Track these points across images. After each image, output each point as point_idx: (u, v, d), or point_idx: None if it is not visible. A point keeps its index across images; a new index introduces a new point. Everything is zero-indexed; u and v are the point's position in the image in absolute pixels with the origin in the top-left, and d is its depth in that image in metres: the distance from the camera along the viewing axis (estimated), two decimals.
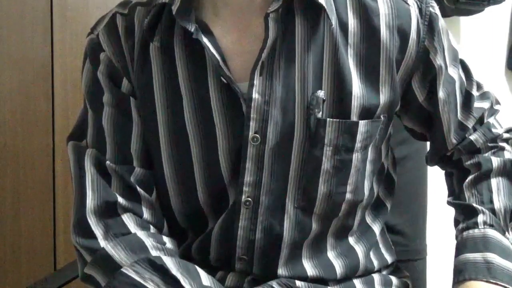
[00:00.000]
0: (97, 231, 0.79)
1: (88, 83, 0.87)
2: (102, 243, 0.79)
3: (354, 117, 0.81)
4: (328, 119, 0.80)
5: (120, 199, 0.81)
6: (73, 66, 1.36)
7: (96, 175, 0.82)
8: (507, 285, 0.77)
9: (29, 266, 1.36)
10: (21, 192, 1.35)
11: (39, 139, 1.35)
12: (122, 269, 0.76)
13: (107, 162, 0.83)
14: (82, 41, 1.38)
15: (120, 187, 0.82)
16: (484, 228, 0.83)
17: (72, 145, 0.87)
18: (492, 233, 0.82)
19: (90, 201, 0.81)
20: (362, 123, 0.81)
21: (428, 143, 0.98)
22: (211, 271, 0.86)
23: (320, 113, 0.80)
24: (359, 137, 0.82)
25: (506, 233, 0.84)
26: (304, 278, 0.85)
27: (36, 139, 1.35)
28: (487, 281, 0.77)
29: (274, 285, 0.84)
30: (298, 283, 0.85)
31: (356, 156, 0.83)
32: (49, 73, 1.35)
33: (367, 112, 0.82)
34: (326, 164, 0.81)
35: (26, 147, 1.34)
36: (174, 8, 0.80)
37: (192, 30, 0.79)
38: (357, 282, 0.89)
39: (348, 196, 0.84)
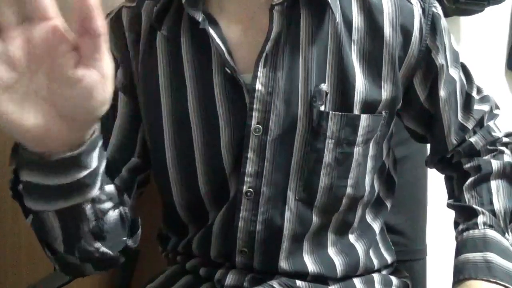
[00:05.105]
0: None
1: None
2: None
3: (356, 111, 0.81)
4: (331, 112, 0.80)
5: None
6: None
7: None
8: (507, 284, 0.77)
9: (29, 266, 1.36)
10: None
11: None
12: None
13: None
14: None
15: None
16: (484, 228, 0.83)
17: None
18: (492, 233, 0.82)
19: None
20: (363, 117, 0.82)
21: (428, 144, 0.99)
22: (211, 269, 0.87)
23: (323, 106, 0.80)
24: (360, 130, 0.82)
25: (506, 234, 0.84)
26: (305, 274, 0.85)
27: None
28: (487, 280, 0.78)
29: (274, 285, 0.84)
30: (298, 283, 0.85)
31: (357, 150, 0.83)
32: None
33: (369, 107, 0.82)
34: (327, 156, 0.82)
35: None
36: None
37: (200, 19, 0.80)
38: (357, 281, 0.89)
39: (349, 190, 0.85)
